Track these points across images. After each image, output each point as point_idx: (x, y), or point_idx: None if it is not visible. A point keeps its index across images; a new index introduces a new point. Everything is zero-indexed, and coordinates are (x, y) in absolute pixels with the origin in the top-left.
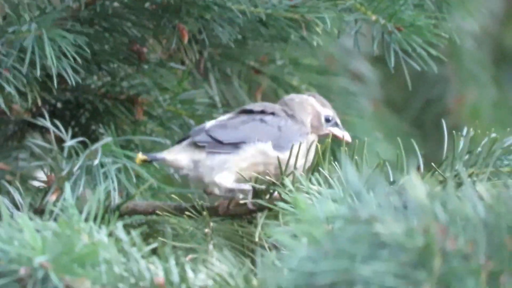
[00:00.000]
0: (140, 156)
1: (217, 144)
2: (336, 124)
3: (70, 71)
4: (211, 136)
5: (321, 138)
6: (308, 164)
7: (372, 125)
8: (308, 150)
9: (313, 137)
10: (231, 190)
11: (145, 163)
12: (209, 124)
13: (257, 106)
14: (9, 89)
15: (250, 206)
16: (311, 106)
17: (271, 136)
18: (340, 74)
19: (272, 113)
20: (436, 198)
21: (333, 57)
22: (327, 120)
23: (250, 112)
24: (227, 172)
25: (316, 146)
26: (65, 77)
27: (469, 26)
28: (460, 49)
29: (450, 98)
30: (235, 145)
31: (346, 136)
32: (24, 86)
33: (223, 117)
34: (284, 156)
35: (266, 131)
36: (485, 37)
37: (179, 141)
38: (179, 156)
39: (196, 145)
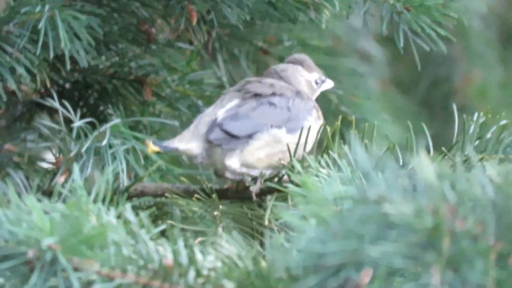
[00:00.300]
0: (152, 146)
1: (232, 139)
2: (322, 82)
3: (82, 53)
4: (225, 131)
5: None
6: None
7: (380, 106)
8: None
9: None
10: (241, 173)
11: (157, 152)
12: (219, 114)
13: (262, 86)
14: (20, 70)
15: (254, 196)
16: (302, 76)
17: (283, 120)
18: (348, 55)
19: (280, 94)
20: (445, 179)
21: (340, 38)
22: (316, 83)
23: (258, 94)
24: (238, 158)
25: (326, 128)
26: (73, 58)
27: (477, 6)
28: (468, 29)
29: (457, 78)
30: (250, 136)
31: (329, 83)
32: (34, 67)
33: (230, 103)
34: (295, 138)
35: (277, 115)
36: (492, 17)
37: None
38: (191, 145)
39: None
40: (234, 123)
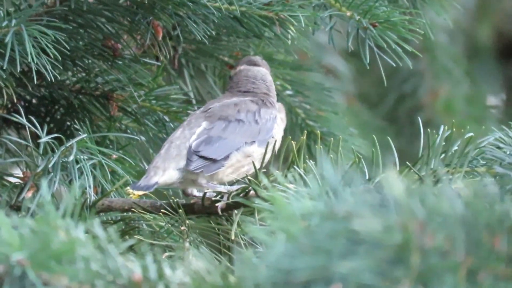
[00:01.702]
0: (136, 192)
1: (211, 163)
2: None
3: (49, 67)
4: (204, 157)
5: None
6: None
7: (346, 120)
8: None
9: (279, 105)
10: (209, 188)
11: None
12: (192, 141)
13: (226, 107)
14: None
15: (219, 211)
16: (270, 78)
17: (253, 134)
18: (314, 70)
19: (246, 110)
20: (414, 195)
21: (306, 53)
22: None
23: (224, 116)
24: (211, 176)
25: (291, 143)
26: (40, 73)
27: (443, 21)
28: (434, 44)
29: (423, 92)
30: (227, 156)
31: None
32: (1, 80)
33: (199, 128)
34: (264, 149)
35: (247, 131)
36: (457, 32)
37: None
38: (168, 175)
39: (181, 154)
40: (210, 148)
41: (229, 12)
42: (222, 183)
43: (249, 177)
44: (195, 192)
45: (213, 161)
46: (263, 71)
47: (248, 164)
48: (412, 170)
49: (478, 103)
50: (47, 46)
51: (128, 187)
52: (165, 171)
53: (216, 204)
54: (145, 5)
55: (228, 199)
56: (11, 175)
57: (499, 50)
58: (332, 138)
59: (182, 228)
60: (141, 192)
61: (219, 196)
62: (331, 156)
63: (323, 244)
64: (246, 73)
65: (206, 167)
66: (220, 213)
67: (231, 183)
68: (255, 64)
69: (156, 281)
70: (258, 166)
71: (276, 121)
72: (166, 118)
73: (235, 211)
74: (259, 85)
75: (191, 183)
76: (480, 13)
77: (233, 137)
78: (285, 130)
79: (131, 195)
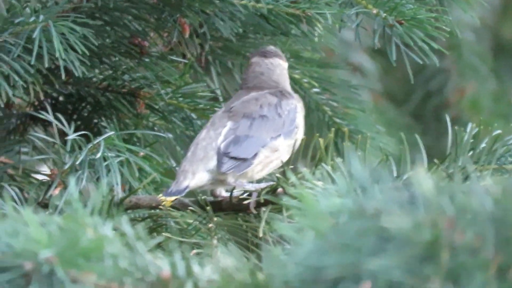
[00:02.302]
0: (168, 198)
1: (242, 163)
2: None
3: (77, 63)
4: (234, 158)
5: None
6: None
7: (373, 118)
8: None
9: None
10: (238, 187)
11: (175, 201)
12: (220, 142)
13: (248, 103)
14: (17, 79)
15: (252, 209)
16: (285, 69)
17: (278, 128)
18: (341, 67)
19: (267, 104)
20: (443, 192)
21: (333, 50)
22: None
23: (247, 113)
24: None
25: (318, 140)
26: (67, 70)
27: (469, 18)
28: (460, 42)
29: (450, 90)
30: (256, 154)
31: None
32: (29, 75)
33: (224, 128)
34: (291, 141)
35: (272, 125)
36: (483, 30)
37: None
38: (197, 178)
39: (208, 155)
40: (239, 147)
41: (256, 9)
42: (251, 181)
43: (277, 175)
44: (223, 192)
45: (243, 160)
46: (273, 63)
47: (276, 159)
48: (440, 168)
49: (504, 100)
50: (75, 42)
51: (161, 195)
52: (195, 174)
53: (245, 202)
54: (171, 3)
55: (258, 196)
56: (38, 173)
57: None
58: (359, 136)
59: (210, 225)
60: (173, 198)
61: (247, 194)
62: (359, 153)
63: (352, 242)
64: (254, 68)
65: (237, 167)
66: (254, 211)
67: (259, 181)
68: (265, 55)
69: (185, 278)
70: (286, 159)
71: (297, 110)
72: (193, 115)
73: (263, 209)
74: (265, 79)
75: (220, 183)
76: (505, 10)
77: (259, 134)
78: (313, 127)
79: (164, 203)
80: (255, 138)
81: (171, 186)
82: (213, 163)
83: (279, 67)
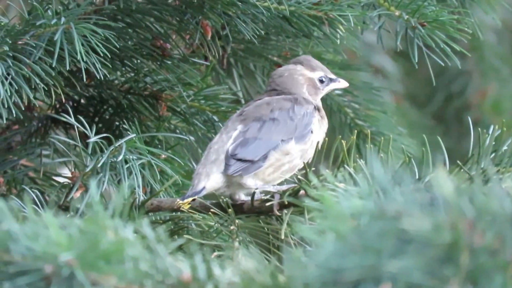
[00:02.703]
0: (186, 201)
1: (249, 165)
2: (330, 80)
3: (99, 66)
4: (241, 159)
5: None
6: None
7: (395, 120)
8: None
9: (318, 104)
10: (258, 189)
11: (193, 202)
12: (229, 145)
13: (259, 108)
14: (38, 81)
15: (276, 210)
16: (302, 76)
17: (290, 131)
18: (363, 69)
19: (279, 108)
20: (463, 194)
21: (355, 52)
22: (321, 81)
23: (258, 117)
24: (256, 178)
25: (341, 142)
26: (88, 72)
27: (491, 20)
28: (482, 43)
29: (471, 92)
30: (265, 156)
31: (343, 83)
32: (50, 78)
33: (235, 132)
34: (304, 145)
35: (283, 128)
36: (505, 32)
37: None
38: (211, 180)
39: (219, 158)
40: (246, 149)
41: (278, 11)
42: (268, 183)
43: (299, 176)
44: (243, 197)
45: (251, 162)
46: (290, 69)
47: (288, 162)
48: (462, 170)
49: None
50: (96, 44)
51: (178, 200)
52: (209, 175)
53: (267, 204)
54: (194, 5)
55: (280, 198)
56: (60, 175)
57: None
58: (381, 138)
59: (232, 227)
60: (190, 199)
61: (270, 195)
62: (381, 155)
63: (372, 243)
64: (276, 74)
65: (244, 169)
66: (278, 213)
67: (281, 183)
68: (293, 62)
69: (205, 280)
70: (299, 163)
71: (314, 115)
72: (215, 118)
73: (285, 211)
74: (286, 86)
75: (238, 186)
76: None
77: (268, 137)
78: (335, 129)
79: (182, 207)
80: (264, 140)
81: (187, 192)
82: (223, 165)
83: (302, 76)
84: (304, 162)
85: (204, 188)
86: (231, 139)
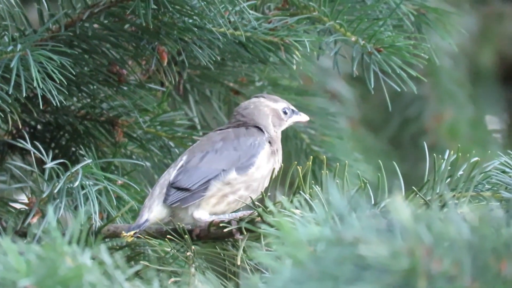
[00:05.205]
0: (129, 234)
1: (188, 195)
2: (293, 112)
3: (55, 92)
4: (178, 188)
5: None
6: (278, 165)
7: (351, 145)
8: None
9: (276, 135)
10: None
11: (135, 234)
12: (172, 175)
13: (207, 142)
14: None
15: (237, 235)
16: (267, 107)
17: (232, 161)
18: (319, 95)
19: (222, 139)
20: (421, 220)
21: (311, 78)
22: (285, 112)
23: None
24: (202, 209)
25: (296, 168)
26: (45, 98)
27: (447, 45)
28: (438, 68)
29: (427, 117)
30: (203, 185)
31: (305, 117)
32: (7, 105)
33: (180, 162)
34: (246, 177)
35: (225, 158)
36: (461, 56)
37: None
38: (155, 211)
39: (163, 191)
40: (184, 177)
41: (234, 37)
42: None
43: (255, 203)
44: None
45: (188, 191)
46: (255, 102)
47: (232, 193)
48: (418, 195)
49: (481, 127)
50: (52, 71)
51: (123, 231)
52: (151, 207)
53: (226, 230)
54: (150, 31)
55: (238, 224)
56: (16, 201)
57: (502, 73)
58: (337, 163)
59: (188, 253)
60: (132, 232)
61: (226, 222)
62: (337, 181)
63: (330, 270)
64: (237, 109)
65: (182, 199)
66: (240, 237)
67: (237, 211)
68: (255, 97)
69: None
70: (246, 195)
71: (263, 147)
72: (171, 143)
73: (241, 236)
74: (246, 116)
75: (187, 219)
76: (482, 37)
77: (208, 165)
78: (291, 155)
79: (126, 238)
80: (202, 169)
81: (133, 224)
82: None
83: (267, 107)
84: (245, 196)
85: (147, 220)
86: (175, 171)
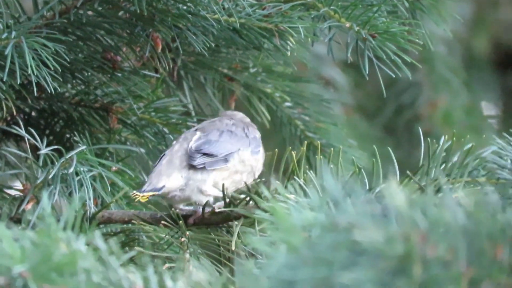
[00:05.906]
0: (146, 194)
1: (213, 160)
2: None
3: (49, 79)
4: (206, 154)
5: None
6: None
7: (345, 132)
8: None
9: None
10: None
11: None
12: (193, 143)
13: (217, 123)
14: None
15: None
16: (251, 126)
17: (245, 144)
18: (313, 81)
19: (235, 124)
20: (416, 205)
21: (305, 64)
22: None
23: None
24: (212, 181)
25: (291, 153)
26: (39, 85)
27: (441, 31)
28: (432, 55)
29: (422, 103)
30: (227, 156)
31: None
32: (1, 92)
33: (195, 137)
34: (256, 160)
35: (239, 140)
36: (455, 43)
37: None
38: (173, 178)
39: (183, 164)
40: (210, 147)
41: (229, 24)
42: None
43: (250, 188)
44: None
45: (215, 157)
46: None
47: (240, 173)
48: (412, 180)
49: (476, 113)
50: (47, 58)
51: (134, 191)
52: (170, 176)
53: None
54: (144, 17)
55: (229, 205)
56: (11, 188)
57: (496, 60)
58: (331, 149)
59: (182, 239)
60: (149, 194)
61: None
62: (331, 167)
63: (324, 255)
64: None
65: (209, 163)
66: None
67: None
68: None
69: None
70: (246, 179)
71: (260, 143)
72: (166, 130)
73: (235, 222)
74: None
75: (195, 192)
76: (477, 23)
77: (228, 141)
78: (285, 141)
79: (138, 198)
80: (225, 143)
81: (143, 187)
82: (186, 170)
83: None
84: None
85: (164, 186)
86: (192, 142)
